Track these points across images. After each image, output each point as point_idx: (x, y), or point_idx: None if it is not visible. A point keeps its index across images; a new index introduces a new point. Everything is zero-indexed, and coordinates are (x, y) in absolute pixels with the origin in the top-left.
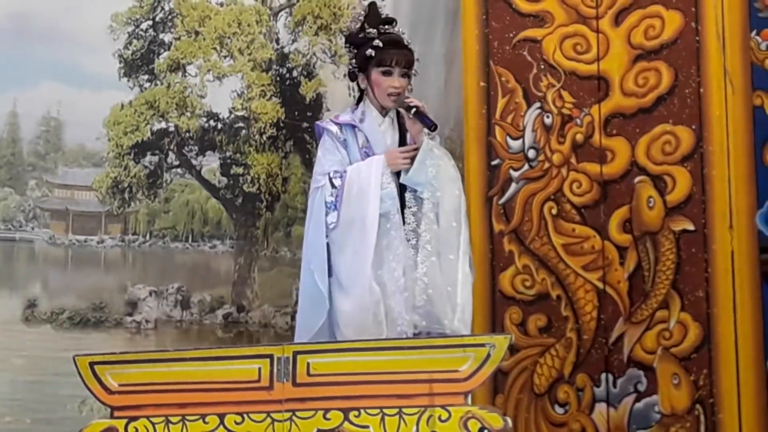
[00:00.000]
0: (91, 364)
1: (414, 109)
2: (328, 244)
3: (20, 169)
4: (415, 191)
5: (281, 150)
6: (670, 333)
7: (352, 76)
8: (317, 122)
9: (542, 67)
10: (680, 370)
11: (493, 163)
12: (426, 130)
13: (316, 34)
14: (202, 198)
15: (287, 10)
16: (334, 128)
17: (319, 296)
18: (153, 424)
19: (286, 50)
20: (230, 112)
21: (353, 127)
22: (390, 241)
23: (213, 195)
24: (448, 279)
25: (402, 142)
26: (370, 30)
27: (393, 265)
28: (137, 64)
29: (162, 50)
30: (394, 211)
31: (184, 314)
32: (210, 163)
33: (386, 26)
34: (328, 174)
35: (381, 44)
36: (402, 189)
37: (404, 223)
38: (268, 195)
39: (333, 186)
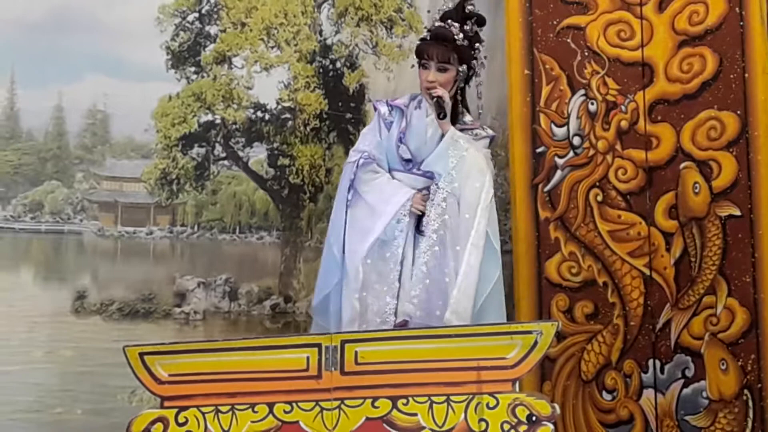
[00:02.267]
0: (141, 355)
1: (435, 99)
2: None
3: (67, 162)
4: (437, 181)
5: (324, 141)
6: (717, 318)
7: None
8: (374, 101)
9: (586, 54)
10: (728, 355)
11: (538, 150)
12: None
13: (358, 25)
14: (250, 189)
15: (330, 1)
16: (384, 109)
17: (333, 261)
18: (203, 413)
19: (329, 42)
20: (277, 103)
21: (402, 111)
22: (383, 269)
23: (260, 186)
24: (449, 270)
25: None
26: (435, 24)
27: (387, 299)
28: (184, 56)
29: (208, 42)
30: (396, 244)
31: (232, 305)
32: (257, 155)
33: (449, 21)
34: (361, 154)
35: (428, 38)
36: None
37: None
38: (311, 186)
39: (357, 167)
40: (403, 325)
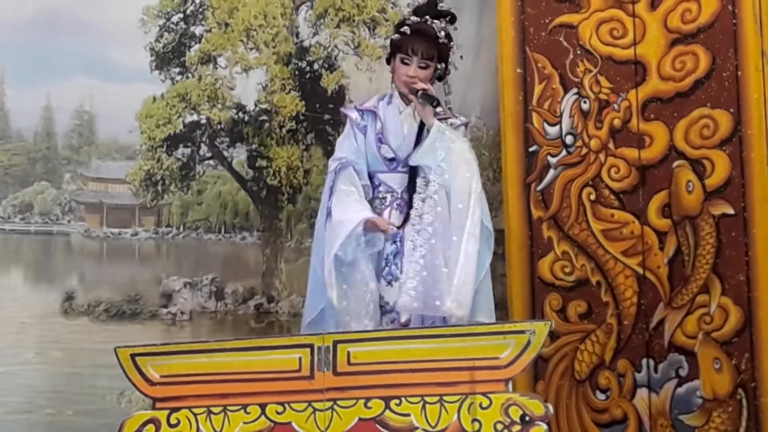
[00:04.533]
0: (133, 356)
1: (420, 92)
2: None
3: (55, 163)
4: (425, 175)
5: (302, 143)
6: (711, 317)
7: (387, 62)
8: (342, 108)
9: (579, 52)
10: (721, 354)
11: (531, 149)
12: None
13: (338, 26)
14: (234, 189)
15: (308, 3)
16: (355, 114)
17: (320, 280)
18: (195, 414)
19: (306, 44)
20: (255, 105)
21: (374, 113)
22: (356, 294)
23: (242, 187)
24: (447, 260)
25: (420, 133)
26: (411, 18)
27: (366, 322)
28: (168, 57)
29: (193, 43)
30: (361, 268)
31: (219, 305)
32: (239, 155)
33: (426, 17)
34: (339, 161)
35: (408, 32)
36: (413, 174)
37: (411, 207)
38: (289, 187)
39: (336, 174)
40: (407, 325)
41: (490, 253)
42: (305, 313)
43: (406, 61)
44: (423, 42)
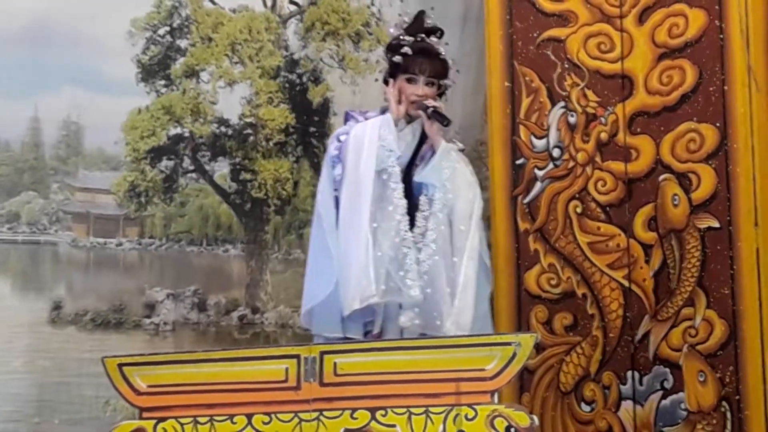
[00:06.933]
0: (120, 366)
1: (431, 109)
2: (336, 199)
3: (43, 173)
4: (428, 193)
5: (292, 155)
6: (696, 330)
7: (385, 82)
8: (348, 110)
9: (566, 66)
10: (706, 367)
11: (518, 162)
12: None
13: (324, 39)
14: (215, 203)
15: (297, 17)
16: (361, 119)
17: (327, 263)
18: (181, 424)
19: (295, 57)
20: (240, 119)
21: None
22: (389, 194)
23: (224, 200)
24: (449, 281)
25: (417, 152)
26: (406, 38)
27: (397, 218)
28: (154, 70)
29: (178, 56)
30: (395, 169)
31: (201, 316)
32: (222, 169)
33: (423, 35)
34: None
35: (410, 52)
36: (417, 192)
37: (414, 226)
38: (277, 199)
39: (338, 140)
40: (379, 336)
41: (489, 286)
42: (305, 300)
43: (412, 80)
44: (427, 60)
